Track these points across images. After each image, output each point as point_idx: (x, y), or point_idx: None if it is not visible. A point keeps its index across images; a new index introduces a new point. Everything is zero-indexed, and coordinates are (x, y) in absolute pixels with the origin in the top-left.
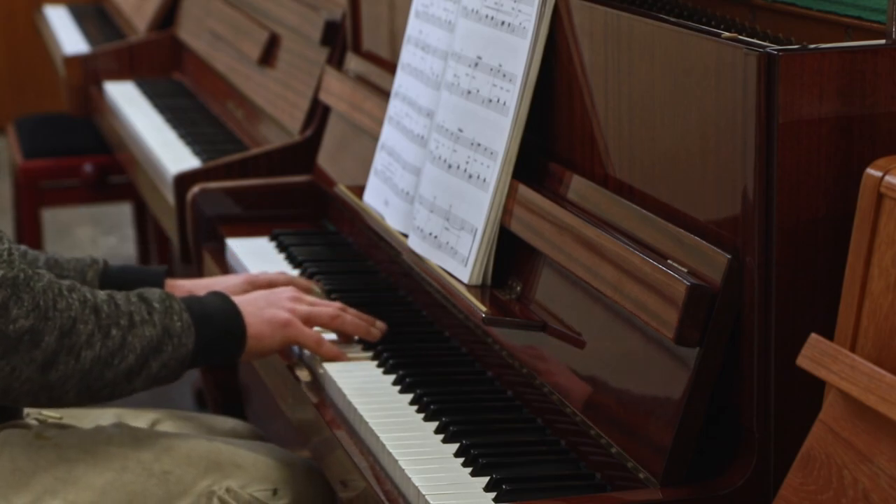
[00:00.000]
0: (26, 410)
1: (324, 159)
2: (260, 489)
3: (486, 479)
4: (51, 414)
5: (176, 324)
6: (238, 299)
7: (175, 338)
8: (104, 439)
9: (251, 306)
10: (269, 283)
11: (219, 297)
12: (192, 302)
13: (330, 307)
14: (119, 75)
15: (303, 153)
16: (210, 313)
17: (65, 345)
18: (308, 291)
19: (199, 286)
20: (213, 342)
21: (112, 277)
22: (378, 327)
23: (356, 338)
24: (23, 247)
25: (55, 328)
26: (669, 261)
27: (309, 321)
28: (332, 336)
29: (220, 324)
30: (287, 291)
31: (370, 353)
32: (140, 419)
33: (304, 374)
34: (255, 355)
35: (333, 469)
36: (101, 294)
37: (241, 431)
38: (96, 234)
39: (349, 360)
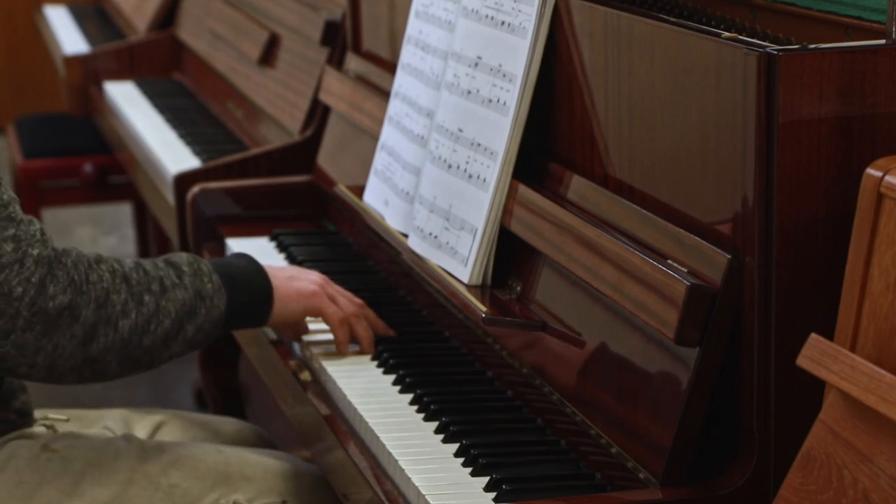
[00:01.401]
0: (35, 415)
1: (324, 159)
2: (268, 501)
3: (486, 479)
4: (58, 417)
5: (206, 285)
6: (264, 265)
7: (207, 299)
8: (111, 452)
9: (278, 272)
10: None
11: (245, 259)
12: (219, 264)
13: (353, 305)
14: (119, 75)
15: (303, 153)
16: (238, 274)
17: (102, 316)
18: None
19: None
20: (243, 303)
21: None
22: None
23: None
24: None
25: (91, 301)
26: (669, 261)
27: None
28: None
29: (248, 285)
30: (315, 274)
31: (370, 354)
32: (146, 420)
33: (304, 375)
34: (279, 320)
35: (334, 470)
36: (129, 262)
37: (246, 434)
38: (96, 234)
39: (349, 353)
